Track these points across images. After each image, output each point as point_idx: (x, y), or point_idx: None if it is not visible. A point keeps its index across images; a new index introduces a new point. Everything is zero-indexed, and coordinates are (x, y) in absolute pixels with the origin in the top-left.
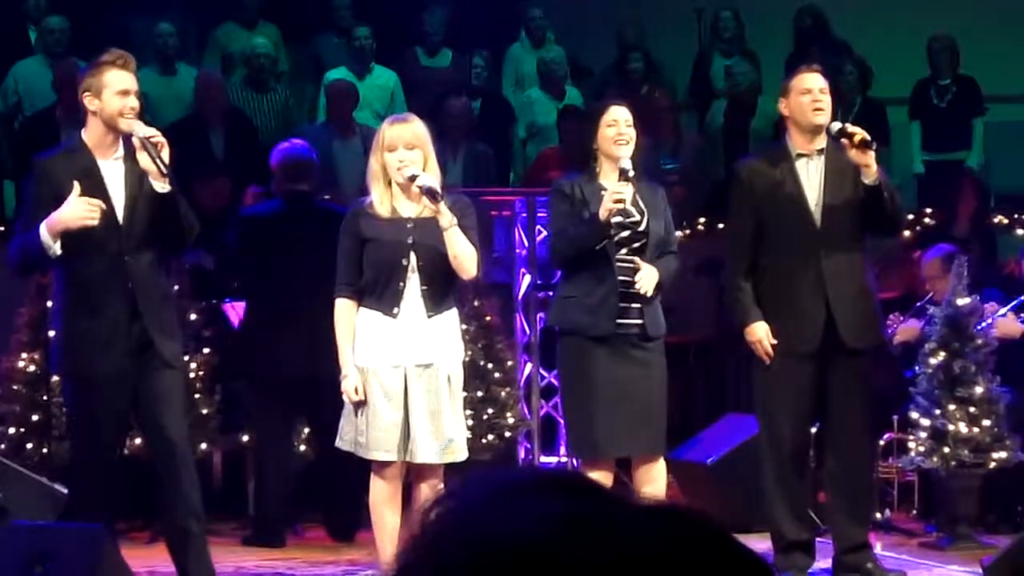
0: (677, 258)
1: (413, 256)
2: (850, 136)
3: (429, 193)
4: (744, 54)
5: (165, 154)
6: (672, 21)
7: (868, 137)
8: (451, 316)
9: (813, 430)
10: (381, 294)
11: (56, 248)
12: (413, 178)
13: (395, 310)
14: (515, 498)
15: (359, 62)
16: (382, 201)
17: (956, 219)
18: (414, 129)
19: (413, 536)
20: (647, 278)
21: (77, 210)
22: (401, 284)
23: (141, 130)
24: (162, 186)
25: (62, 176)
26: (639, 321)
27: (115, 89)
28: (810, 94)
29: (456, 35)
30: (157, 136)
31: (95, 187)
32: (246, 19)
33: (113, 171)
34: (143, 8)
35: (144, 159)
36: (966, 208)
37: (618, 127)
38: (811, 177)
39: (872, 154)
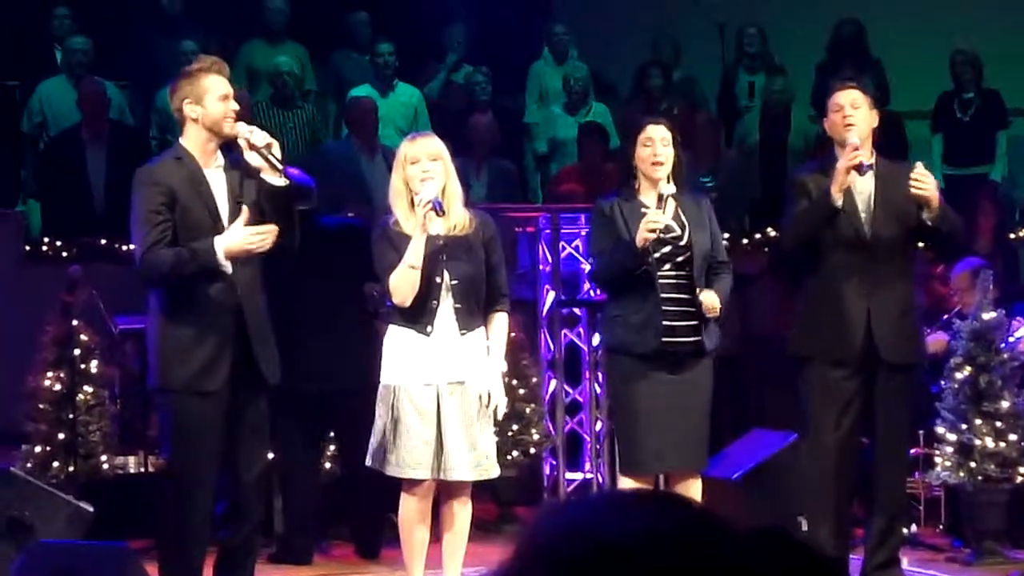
0: (729, 269)
1: (446, 274)
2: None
3: (438, 206)
4: (770, 69)
5: (276, 150)
6: (695, 36)
7: (858, 162)
8: (481, 334)
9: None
10: (414, 313)
11: (229, 266)
12: (438, 205)
13: (428, 328)
14: (641, 508)
15: (382, 79)
16: (407, 220)
17: (977, 234)
18: (436, 143)
19: (533, 538)
20: (710, 301)
21: (244, 239)
22: (435, 303)
23: (246, 131)
24: (278, 180)
25: (172, 181)
26: (694, 339)
27: (217, 94)
28: (840, 110)
29: (479, 52)
30: (264, 135)
31: (202, 195)
32: (272, 37)
33: (216, 180)
34: (167, 27)
35: (254, 158)
36: (987, 223)
37: (653, 147)
38: (862, 190)
39: (932, 191)
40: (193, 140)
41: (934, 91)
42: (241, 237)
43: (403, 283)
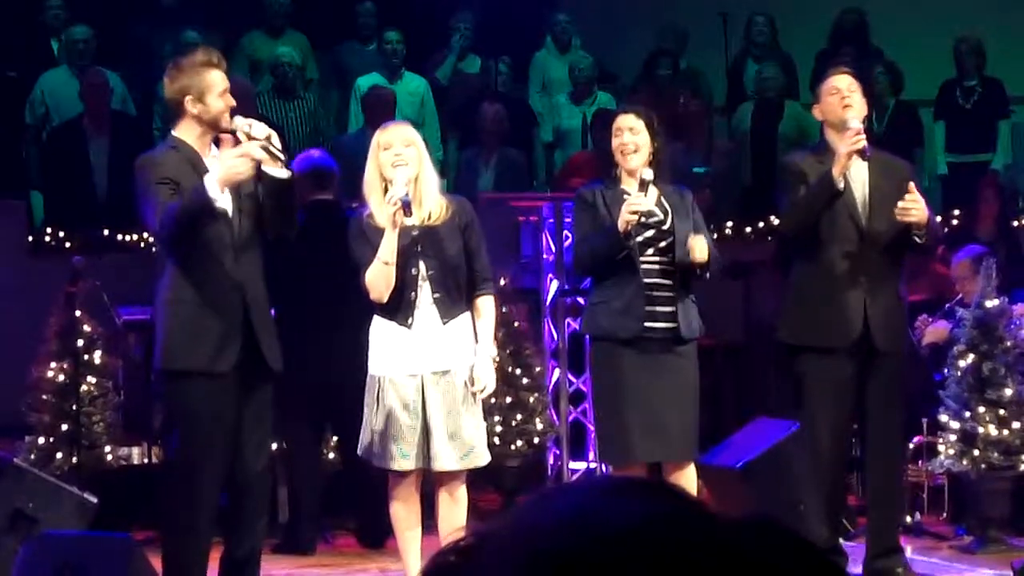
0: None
1: (423, 265)
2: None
3: (406, 206)
4: (778, 58)
5: (276, 141)
6: (699, 26)
7: (861, 146)
8: (464, 320)
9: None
10: (394, 305)
11: (222, 201)
12: (407, 205)
13: (409, 320)
14: (625, 495)
15: (389, 67)
16: (381, 211)
17: (979, 221)
18: (409, 129)
19: (511, 526)
20: (698, 243)
21: (236, 162)
22: (413, 294)
23: (244, 124)
24: (280, 171)
25: (172, 166)
26: (671, 324)
27: (218, 90)
28: (838, 93)
29: (483, 41)
30: (264, 127)
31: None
32: (273, 28)
33: (212, 168)
34: (163, 17)
35: (255, 151)
36: (989, 210)
37: (621, 137)
38: (856, 178)
39: (923, 215)
40: (189, 132)
41: (937, 79)
42: (226, 162)
43: (377, 280)
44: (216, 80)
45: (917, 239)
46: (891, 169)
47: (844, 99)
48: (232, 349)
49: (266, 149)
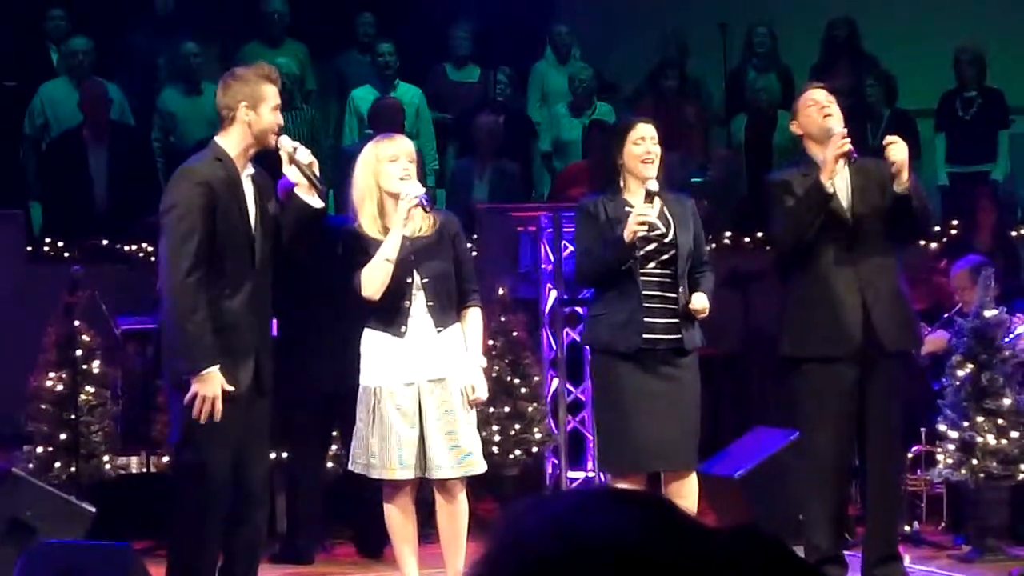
0: (712, 270)
1: (416, 274)
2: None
3: (425, 201)
4: (777, 68)
5: (317, 169)
6: (698, 35)
7: (847, 149)
8: (457, 329)
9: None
10: (387, 314)
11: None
12: (426, 200)
13: (403, 329)
14: (612, 505)
15: (382, 78)
16: (375, 220)
17: (977, 231)
18: (411, 144)
19: (504, 535)
20: (700, 303)
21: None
22: (407, 303)
23: (289, 145)
24: (316, 200)
25: (214, 180)
26: (674, 336)
27: (272, 104)
28: (816, 104)
29: (482, 51)
30: (307, 153)
31: (238, 200)
32: (271, 38)
33: (247, 187)
34: (166, 28)
35: (294, 173)
36: (986, 220)
37: (645, 145)
38: (839, 185)
39: (905, 155)
40: (234, 142)
41: (936, 89)
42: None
43: (376, 276)
44: (272, 94)
45: (900, 191)
46: (869, 171)
47: (824, 108)
48: (248, 367)
49: (307, 175)
